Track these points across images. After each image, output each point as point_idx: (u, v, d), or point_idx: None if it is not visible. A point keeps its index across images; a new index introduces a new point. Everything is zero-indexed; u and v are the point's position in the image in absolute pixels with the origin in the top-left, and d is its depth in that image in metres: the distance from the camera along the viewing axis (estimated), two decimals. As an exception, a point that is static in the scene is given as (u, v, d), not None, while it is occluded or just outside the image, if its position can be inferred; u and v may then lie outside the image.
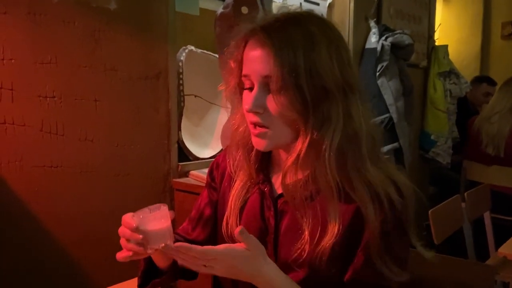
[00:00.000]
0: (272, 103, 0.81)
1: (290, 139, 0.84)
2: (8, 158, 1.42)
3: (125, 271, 1.05)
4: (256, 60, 0.81)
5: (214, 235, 1.01)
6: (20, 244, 1.46)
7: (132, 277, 1.03)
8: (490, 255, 2.26)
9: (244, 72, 0.84)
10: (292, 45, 0.79)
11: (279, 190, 0.90)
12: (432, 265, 1.06)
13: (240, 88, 0.89)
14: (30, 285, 1.46)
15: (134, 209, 0.83)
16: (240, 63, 0.86)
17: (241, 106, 0.89)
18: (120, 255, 0.83)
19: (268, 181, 0.92)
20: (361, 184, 0.81)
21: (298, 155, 0.82)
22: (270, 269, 0.81)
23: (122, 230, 0.82)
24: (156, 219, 0.80)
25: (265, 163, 0.94)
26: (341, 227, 0.81)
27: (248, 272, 0.80)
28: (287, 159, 0.84)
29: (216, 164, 1.04)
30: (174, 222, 0.84)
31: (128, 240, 0.80)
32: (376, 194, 0.81)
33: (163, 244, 0.79)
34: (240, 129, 0.92)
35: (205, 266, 0.77)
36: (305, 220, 0.84)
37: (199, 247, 0.76)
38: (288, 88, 0.79)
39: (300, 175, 0.84)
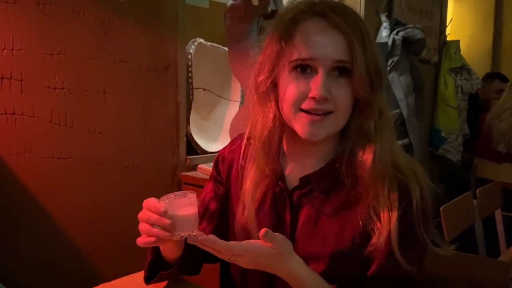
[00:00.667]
0: (343, 88, 0.80)
1: (343, 126, 0.84)
2: (17, 149, 1.42)
3: (133, 263, 1.04)
4: (329, 43, 0.78)
5: (221, 230, 0.98)
6: (28, 235, 1.47)
7: (141, 269, 1.01)
8: (500, 252, 2.23)
9: (304, 56, 0.79)
10: (362, 32, 0.79)
11: (294, 183, 0.88)
12: (446, 261, 1.05)
13: (275, 78, 0.85)
14: (38, 276, 1.47)
15: (141, 203, 0.81)
16: (285, 46, 0.81)
17: (275, 99, 0.85)
18: (142, 240, 0.80)
19: (282, 175, 0.90)
20: (392, 174, 0.81)
21: (345, 148, 0.83)
22: (296, 265, 0.80)
23: (146, 215, 0.79)
24: (185, 205, 0.79)
25: (279, 155, 0.91)
26: (365, 219, 0.80)
27: (272, 267, 0.79)
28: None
29: (221, 157, 1.01)
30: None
31: (152, 225, 0.78)
32: (404, 184, 0.80)
33: (191, 232, 0.78)
34: (269, 129, 0.87)
35: (230, 258, 0.77)
36: (328, 212, 0.83)
37: (224, 242, 0.75)
38: (364, 73, 0.78)
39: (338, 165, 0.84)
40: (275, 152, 0.89)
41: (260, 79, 0.85)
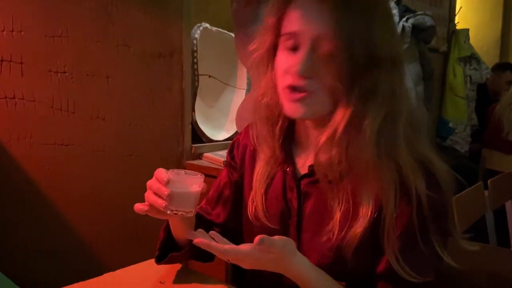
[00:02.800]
0: (326, 66, 0.74)
1: (329, 109, 0.77)
2: (17, 134, 1.39)
3: (137, 252, 1.02)
4: (309, 17, 0.74)
5: (234, 216, 0.96)
6: (29, 223, 1.45)
7: (147, 258, 0.98)
8: (511, 243, 2.20)
9: (289, 30, 0.76)
10: (353, 7, 0.73)
11: (303, 170, 0.85)
12: (459, 252, 1.01)
13: (272, 51, 0.82)
14: (39, 265, 1.44)
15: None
16: (280, 19, 0.79)
17: (269, 72, 0.83)
18: (138, 206, 0.79)
19: (291, 160, 0.87)
20: (388, 169, 0.75)
21: (336, 129, 0.75)
22: (300, 265, 0.77)
23: (151, 182, 0.78)
24: (188, 183, 0.78)
25: (288, 141, 0.88)
26: (374, 210, 0.75)
27: (275, 269, 0.77)
28: (322, 134, 0.77)
29: (237, 143, 0.99)
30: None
31: (155, 193, 0.76)
32: (402, 182, 0.74)
33: (185, 211, 0.77)
34: (264, 100, 0.85)
35: (229, 260, 0.75)
36: (336, 202, 0.78)
37: (220, 246, 0.73)
38: (340, 52, 0.72)
39: (334, 152, 0.77)
40: (278, 129, 0.86)
41: (257, 53, 0.84)
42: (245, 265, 0.75)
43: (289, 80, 0.76)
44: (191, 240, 0.86)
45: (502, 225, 2.27)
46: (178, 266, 0.96)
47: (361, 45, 0.72)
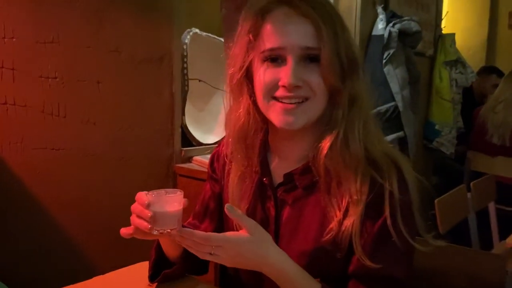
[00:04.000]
0: (314, 75, 0.78)
1: (320, 115, 0.82)
2: (9, 139, 1.41)
3: (127, 255, 1.05)
4: (296, 31, 0.78)
5: (222, 227, 0.98)
6: (21, 227, 1.47)
7: (137, 261, 1.01)
8: (493, 245, 2.25)
9: (272, 45, 0.79)
10: (332, 19, 0.79)
11: (278, 179, 0.88)
12: (441, 255, 1.04)
13: (248, 69, 0.84)
14: (32, 267, 1.46)
15: (136, 194, 0.82)
16: (255, 36, 0.81)
17: (245, 92, 0.85)
18: (123, 230, 0.81)
19: (267, 171, 0.90)
20: (366, 170, 0.79)
21: (337, 133, 0.80)
22: (278, 257, 0.79)
23: (134, 206, 0.80)
24: (169, 202, 0.80)
25: (264, 153, 0.91)
26: (346, 212, 0.79)
27: (254, 259, 0.78)
28: (323, 141, 0.80)
29: (216, 155, 1.01)
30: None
31: (138, 216, 0.79)
32: (375, 176, 0.79)
33: (170, 229, 0.79)
34: (241, 119, 0.87)
35: (211, 254, 0.76)
36: (311, 207, 0.83)
37: (202, 233, 0.75)
38: (334, 59, 0.77)
39: (333, 155, 0.80)
40: (257, 146, 0.89)
41: (231, 71, 0.86)
42: (226, 256, 0.76)
43: (280, 92, 0.79)
44: (183, 256, 0.89)
45: (485, 227, 2.33)
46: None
47: (342, 52, 0.78)
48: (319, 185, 0.82)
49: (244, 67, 0.83)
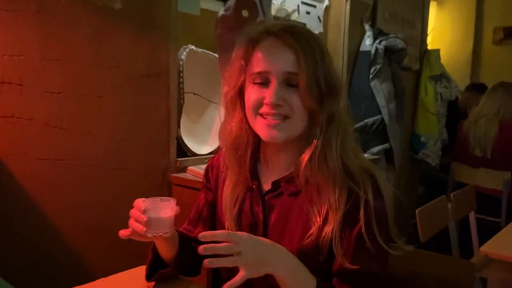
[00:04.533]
0: (294, 96, 0.89)
1: (299, 132, 0.92)
2: (15, 150, 1.48)
3: (126, 260, 1.12)
4: (280, 58, 0.90)
5: None
6: (26, 232, 1.53)
7: (135, 265, 1.09)
8: (474, 254, 2.35)
9: (259, 69, 0.91)
10: (313, 49, 0.89)
11: (267, 187, 0.98)
12: (414, 260, 1.14)
13: (240, 88, 0.95)
14: (36, 273, 1.52)
15: (133, 202, 0.91)
16: (247, 61, 0.93)
17: (238, 108, 0.96)
18: (122, 232, 0.91)
19: (257, 178, 1.00)
20: (343, 180, 0.89)
21: (315, 148, 0.90)
22: (291, 259, 0.87)
23: (132, 211, 0.90)
24: (163, 209, 0.90)
25: (254, 162, 1.01)
26: (326, 217, 0.89)
27: (273, 258, 0.85)
28: (303, 154, 0.91)
29: (211, 167, 1.11)
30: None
31: (135, 220, 0.89)
32: (353, 187, 0.89)
33: (162, 233, 0.89)
34: (234, 132, 0.98)
35: (233, 255, 0.80)
36: (296, 212, 0.92)
37: (223, 231, 0.84)
38: (312, 84, 0.88)
39: (311, 166, 0.90)
40: (248, 156, 0.99)
41: (225, 90, 0.98)
42: (247, 258, 0.80)
43: (264, 109, 0.91)
44: (177, 258, 0.98)
45: (467, 236, 2.43)
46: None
47: (320, 78, 0.89)
48: (305, 191, 0.92)
49: (237, 86, 0.96)
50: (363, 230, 0.86)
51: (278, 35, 0.90)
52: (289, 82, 0.89)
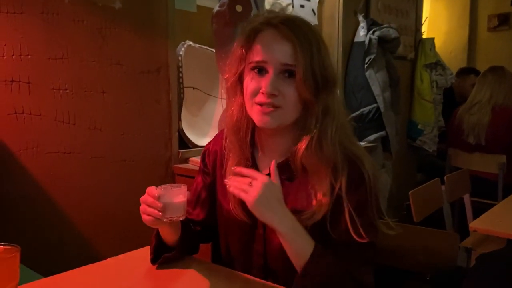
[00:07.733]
0: (290, 87, 0.95)
1: (292, 121, 0.98)
2: (26, 145, 1.55)
3: (132, 246, 1.18)
4: (278, 49, 0.94)
5: (211, 214, 1.15)
6: (38, 222, 1.60)
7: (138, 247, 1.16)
8: (470, 234, 2.42)
9: (258, 59, 0.95)
10: (310, 42, 0.94)
11: (265, 171, 1.03)
12: (402, 234, 1.22)
13: (240, 76, 1.01)
14: (48, 260, 1.59)
15: (138, 192, 0.99)
16: (247, 50, 0.98)
17: (238, 94, 1.03)
18: (145, 218, 0.97)
19: (254, 163, 1.07)
20: (343, 158, 0.96)
21: (312, 137, 0.96)
22: (293, 219, 0.93)
23: (144, 198, 0.96)
24: (175, 195, 0.97)
25: (251, 147, 1.08)
26: (325, 197, 0.96)
27: (276, 197, 0.92)
28: (301, 141, 0.97)
29: (207, 151, 1.18)
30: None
31: (150, 207, 0.95)
32: (355, 162, 0.96)
33: (177, 217, 0.96)
34: (235, 117, 1.04)
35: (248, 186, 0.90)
36: (294, 194, 0.99)
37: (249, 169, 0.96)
38: (308, 76, 0.93)
39: (308, 153, 0.96)
40: (248, 139, 1.05)
41: (226, 76, 1.05)
42: (253, 193, 0.89)
43: (259, 98, 0.96)
44: (180, 242, 1.05)
45: (462, 217, 2.50)
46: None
47: (316, 70, 0.94)
48: (301, 176, 0.99)
49: (238, 73, 1.02)
50: (349, 214, 0.94)
51: (277, 27, 0.95)
52: (285, 73, 0.95)
